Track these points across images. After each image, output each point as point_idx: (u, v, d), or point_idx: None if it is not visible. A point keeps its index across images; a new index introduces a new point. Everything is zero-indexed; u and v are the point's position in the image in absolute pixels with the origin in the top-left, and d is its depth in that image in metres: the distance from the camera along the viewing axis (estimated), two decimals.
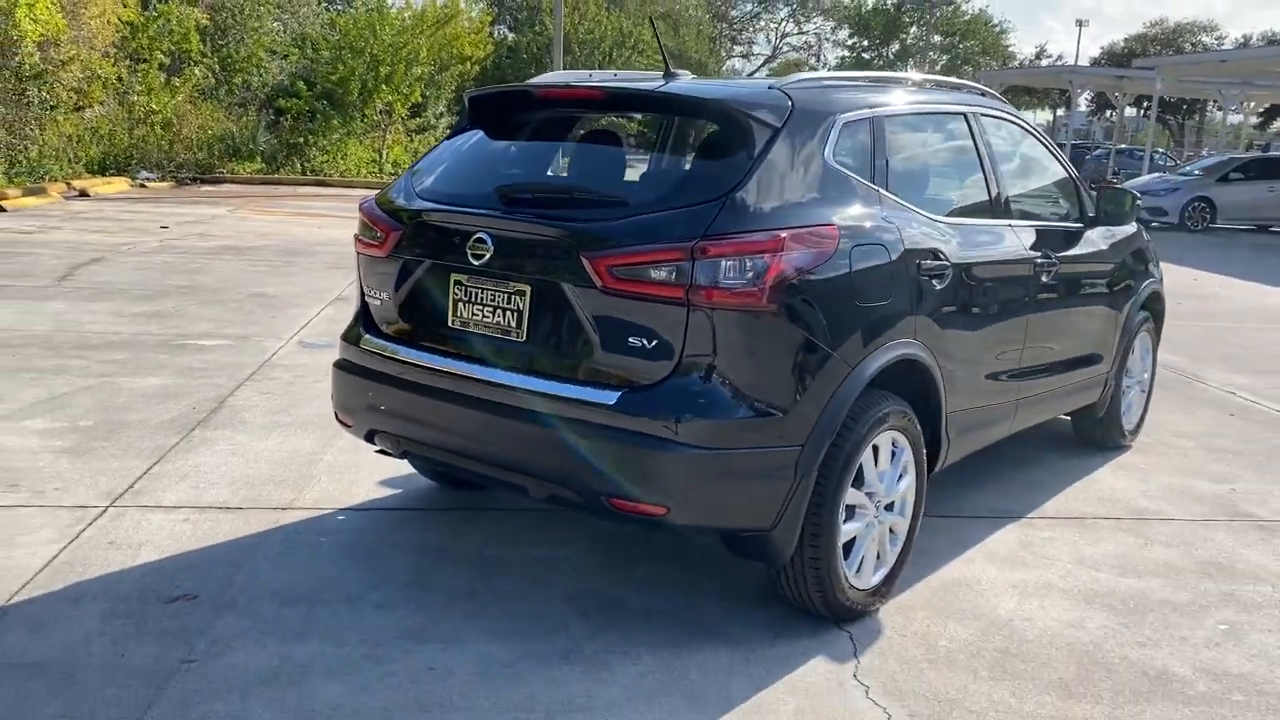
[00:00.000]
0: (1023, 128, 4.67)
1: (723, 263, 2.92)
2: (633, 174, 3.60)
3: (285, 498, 4.28)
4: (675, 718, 2.85)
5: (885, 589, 3.55)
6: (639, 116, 3.78)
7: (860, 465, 3.31)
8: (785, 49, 64.24)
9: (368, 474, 4.57)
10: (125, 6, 27.99)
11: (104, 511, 4.04)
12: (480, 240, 3.22)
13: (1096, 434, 5.39)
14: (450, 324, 3.37)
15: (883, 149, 3.56)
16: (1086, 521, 4.49)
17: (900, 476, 3.54)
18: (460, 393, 3.28)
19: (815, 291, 3.09)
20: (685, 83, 3.63)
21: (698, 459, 2.95)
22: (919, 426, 3.57)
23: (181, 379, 5.97)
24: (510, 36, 44.62)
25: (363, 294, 3.70)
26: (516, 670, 3.05)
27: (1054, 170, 4.82)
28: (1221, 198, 21.40)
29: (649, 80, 3.73)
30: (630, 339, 3.00)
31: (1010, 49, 64.81)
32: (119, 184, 20.32)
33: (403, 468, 4.48)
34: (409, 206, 3.51)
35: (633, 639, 3.27)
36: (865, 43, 64.49)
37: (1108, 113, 55.71)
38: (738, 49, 62.71)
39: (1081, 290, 4.74)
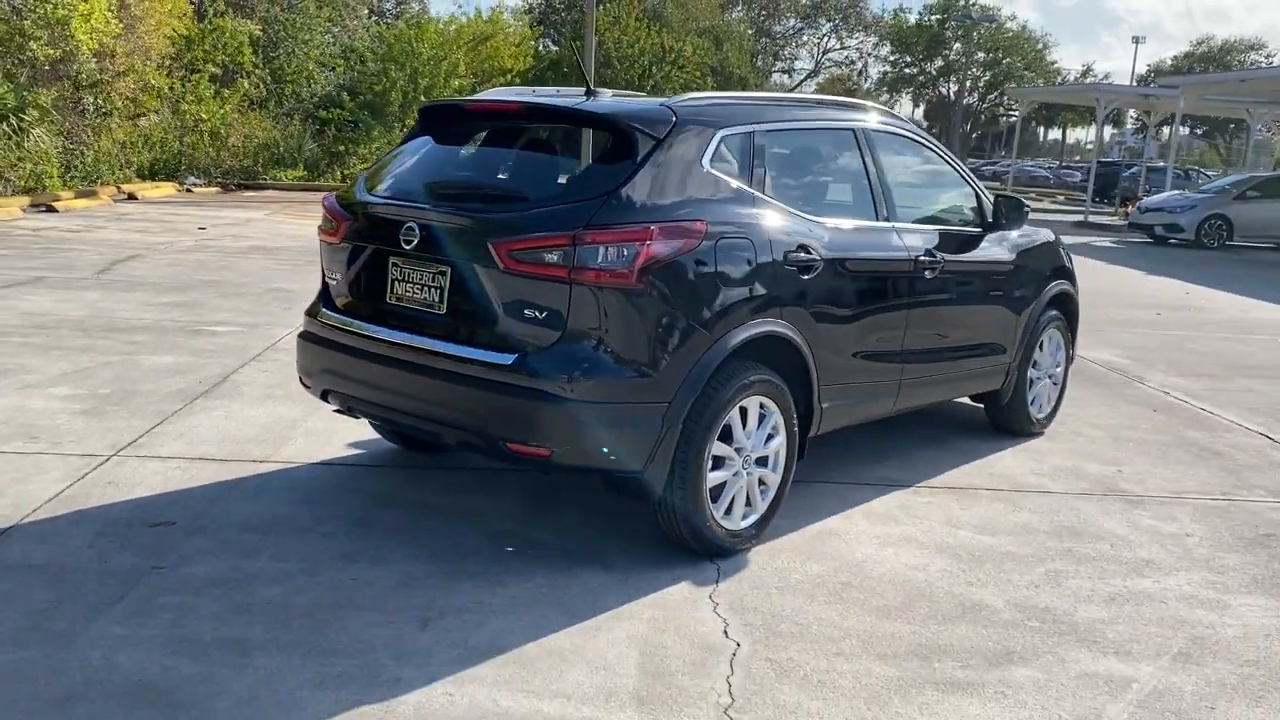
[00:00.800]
0: (921, 143, 5.26)
1: (600, 248, 3.56)
2: (539, 175, 4.24)
3: (264, 453, 4.97)
4: (547, 620, 3.47)
5: (756, 532, 4.14)
6: (550, 128, 4.38)
7: (729, 423, 3.92)
8: (828, 64, 64.82)
9: (340, 437, 5.24)
10: (180, 20, 29.21)
11: (107, 459, 4.74)
12: (410, 229, 3.87)
13: (1004, 420, 5.94)
14: (388, 299, 4.03)
15: (762, 159, 4.17)
16: (969, 491, 5.05)
17: (771, 437, 4.14)
18: (394, 357, 3.94)
19: (681, 275, 3.71)
20: (594, 100, 4.26)
21: (576, 409, 3.58)
22: (791, 395, 4.17)
23: (193, 358, 6.71)
24: (554, 49, 45.52)
25: (324, 275, 4.38)
26: (425, 584, 3.69)
27: (951, 180, 5.40)
28: (1239, 215, 21.63)
29: (571, 98, 4.37)
30: (526, 311, 3.65)
31: (1055, 65, 64.89)
32: (166, 188, 21.33)
33: (370, 432, 5.15)
34: (358, 200, 4.18)
35: (532, 565, 3.89)
36: (908, 59, 64.85)
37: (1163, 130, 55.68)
38: (779, 64, 63.36)
39: (975, 286, 5.31)
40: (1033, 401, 5.98)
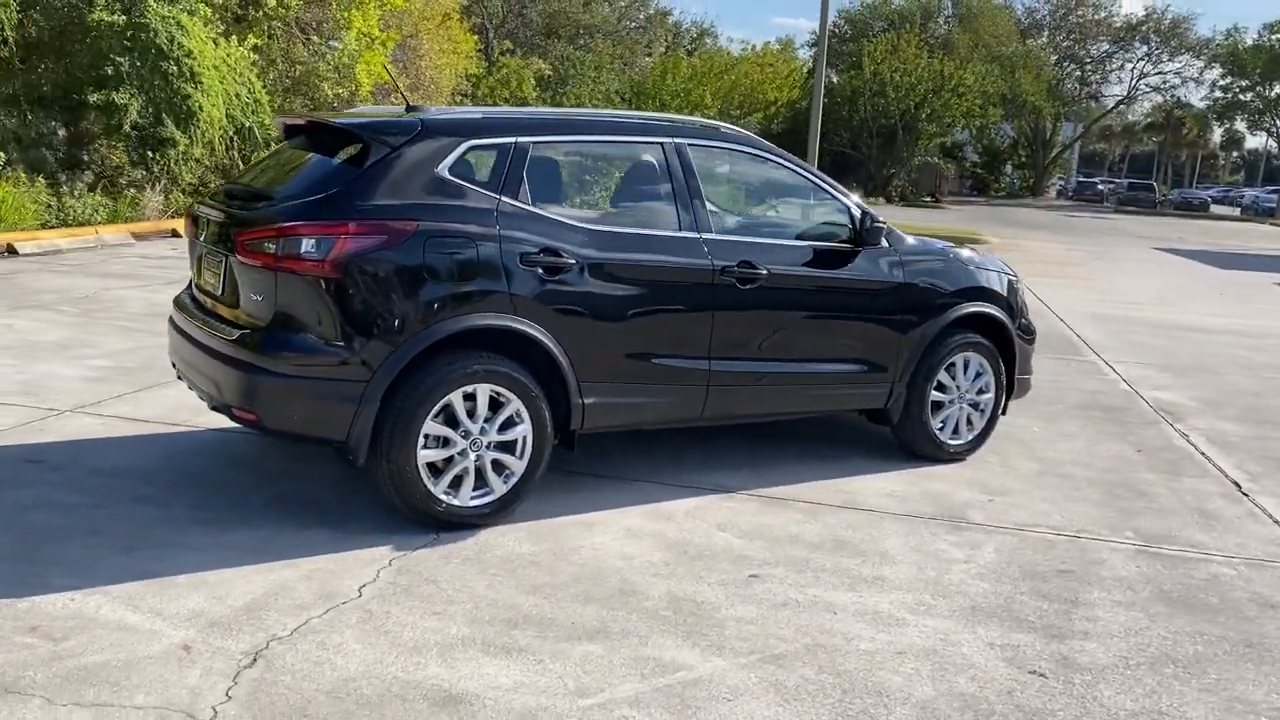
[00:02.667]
0: (778, 163, 5.41)
1: (301, 240, 4.09)
2: (295, 179, 4.76)
3: (186, 419, 5.82)
4: (233, 559, 4.00)
5: (491, 511, 4.46)
6: (324, 139, 4.89)
7: (451, 406, 4.30)
8: (1144, 89, 60.45)
9: None
10: (468, 59, 32.02)
11: (60, 414, 5.77)
12: (207, 224, 4.57)
13: (904, 441, 5.82)
14: (202, 286, 4.74)
15: (521, 169, 4.52)
16: (785, 502, 5.06)
17: (512, 424, 4.46)
18: (192, 335, 4.64)
19: (382, 268, 4.16)
20: (355, 112, 4.77)
21: (277, 382, 4.13)
22: (538, 386, 4.47)
23: None
24: (835, 80, 45.64)
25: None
26: (169, 524, 4.32)
27: (810, 200, 5.45)
28: None
29: (388, 113, 4.90)
30: (251, 294, 4.24)
31: None
32: None
33: None
34: (200, 203, 4.93)
35: (280, 519, 4.44)
36: (1243, 83, 59.26)
37: None
38: (1085, 90, 59.75)
39: (830, 300, 5.31)
40: (941, 426, 5.81)
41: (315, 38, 23.25)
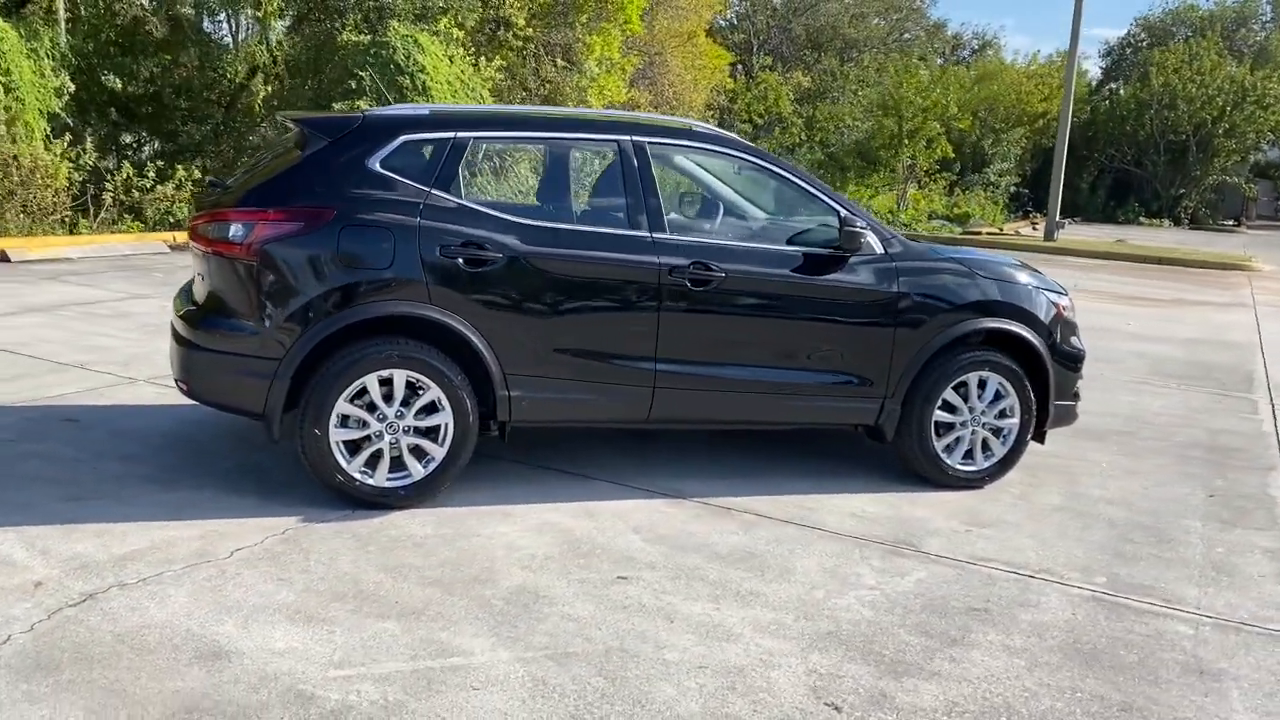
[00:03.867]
0: (764, 166, 5.26)
1: (229, 225, 4.43)
2: (261, 170, 5.02)
3: None
4: (148, 514, 4.38)
5: (411, 494, 4.61)
6: (294, 133, 5.13)
7: (366, 389, 4.49)
8: None
9: None
10: (719, 74, 32.55)
11: (135, 382, 6.46)
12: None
13: (906, 462, 5.45)
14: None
15: (455, 163, 4.65)
16: (732, 512, 4.88)
17: (433, 411, 4.59)
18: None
19: (296, 253, 4.41)
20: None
21: (203, 356, 4.49)
22: (461, 376, 4.58)
23: None
24: (1120, 92, 42.60)
25: None
26: (124, 481, 4.77)
27: (793, 204, 5.26)
28: None
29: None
30: (198, 274, 4.62)
31: None
32: None
33: None
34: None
35: (218, 484, 4.79)
36: None
37: None
38: None
39: (803, 306, 5.06)
40: (949, 449, 5.40)
41: (561, 60, 24.37)
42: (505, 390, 4.70)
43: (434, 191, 4.61)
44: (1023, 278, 5.58)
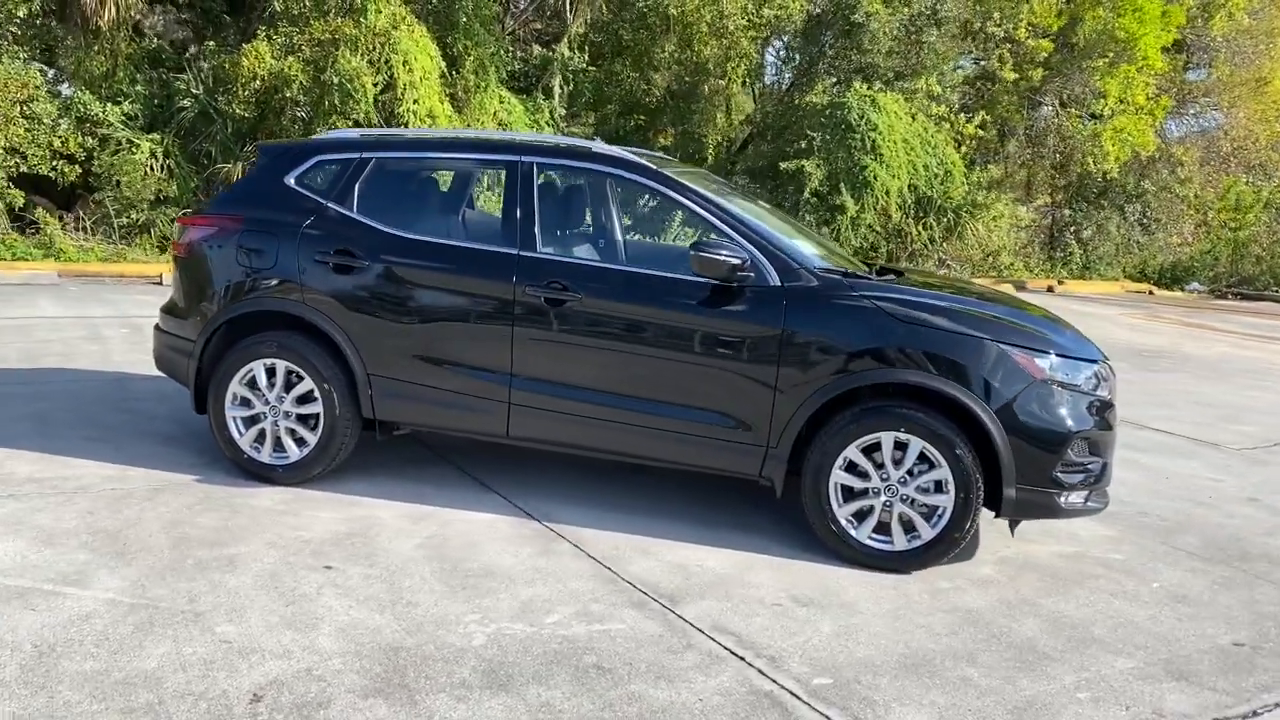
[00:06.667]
0: (651, 188, 5.09)
1: (182, 230, 5.38)
2: None
3: None
4: (73, 452, 5.42)
5: (284, 473, 5.13)
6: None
7: (254, 375, 5.15)
8: None
9: None
10: None
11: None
12: None
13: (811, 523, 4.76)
14: None
15: (354, 180, 5.14)
16: (562, 541, 4.70)
17: (308, 400, 5.10)
18: None
19: (209, 253, 5.22)
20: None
21: (159, 336, 5.50)
22: (332, 370, 5.05)
23: None
24: None
25: None
26: (78, 428, 5.84)
27: (691, 228, 4.86)
28: None
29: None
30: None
31: None
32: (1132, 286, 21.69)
33: None
34: None
35: (151, 440, 5.71)
36: None
37: None
38: None
39: (673, 338, 4.72)
40: (856, 520, 4.63)
41: (1073, 109, 22.74)
42: (369, 389, 5.05)
43: (329, 204, 5.14)
44: (982, 331, 4.58)
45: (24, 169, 13.17)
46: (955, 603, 4.37)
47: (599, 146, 5.19)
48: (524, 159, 5.07)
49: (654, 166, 5.03)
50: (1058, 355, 4.63)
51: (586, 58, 18.33)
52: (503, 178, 5.12)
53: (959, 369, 4.50)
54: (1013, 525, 4.81)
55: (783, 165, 18.27)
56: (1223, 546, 5.32)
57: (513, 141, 5.48)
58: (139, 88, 14.73)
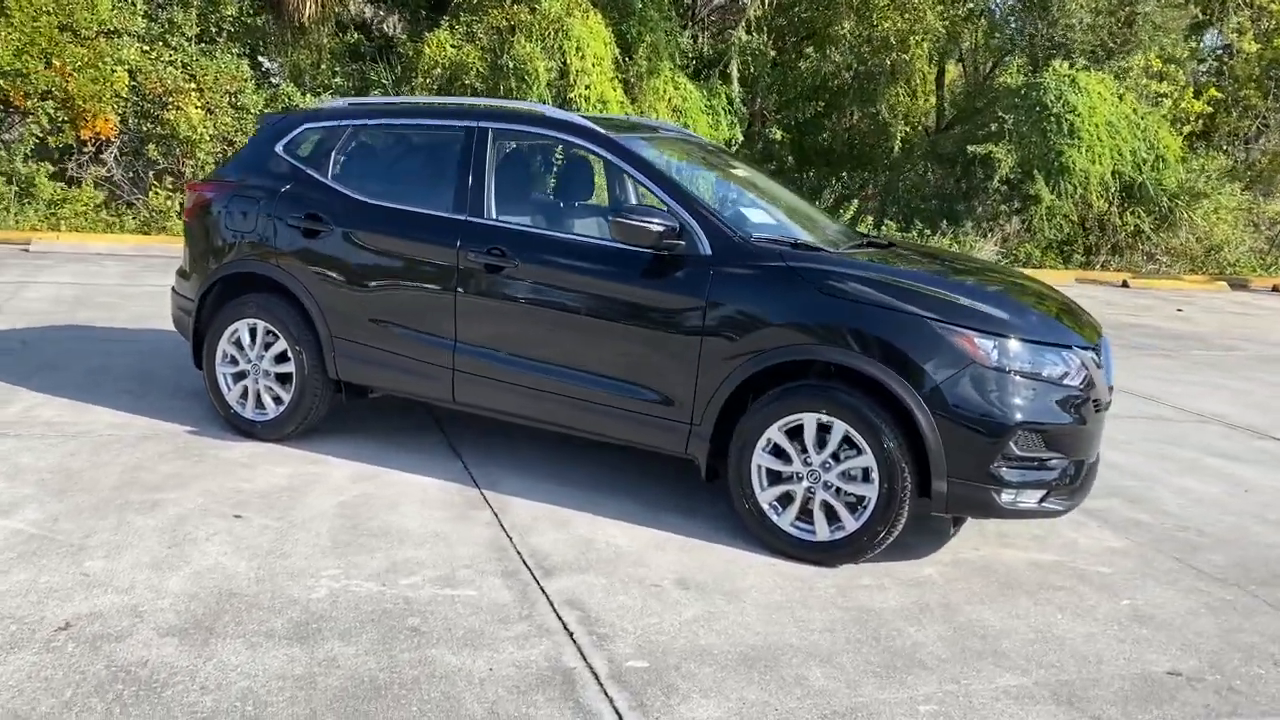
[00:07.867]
0: (598, 154, 4.93)
1: (191, 194, 5.70)
2: None
3: None
4: (66, 396, 5.84)
5: (262, 429, 5.36)
6: None
7: (239, 335, 5.40)
8: None
9: None
10: None
11: None
12: None
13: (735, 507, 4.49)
14: None
15: (332, 147, 5.28)
16: (485, 509, 4.66)
17: (283, 359, 5.30)
18: None
19: (205, 217, 5.50)
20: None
21: (173, 297, 5.85)
22: (302, 331, 5.22)
23: None
24: None
25: None
26: (91, 376, 6.28)
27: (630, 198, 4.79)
28: None
29: None
30: None
31: None
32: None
33: None
34: None
35: (154, 395, 6.01)
36: None
37: None
38: None
39: (598, 306, 4.57)
40: (778, 505, 4.34)
41: None
42: (331, 350, 5.18)
43: (306, 170, 5.30)
44: (918, 306, 4.16)
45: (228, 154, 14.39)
46: (860, 601, 4.00)
47: (550, 111, 5.09)
48: (479, 124, 5.05)
49: (601, 130, 4.87)
50: (1016, 338, 4.15)
51: (767, 39, 17.99)
52: (459, 144, 5.10)
53: (887, 347, 4.11)
54: (955, 523, 4.35)
55: (970, 149, 17.27)
56: (1250, 569, 4.61)
57: (469, 107, 5.48)
58: (339, 80, 15.78)
